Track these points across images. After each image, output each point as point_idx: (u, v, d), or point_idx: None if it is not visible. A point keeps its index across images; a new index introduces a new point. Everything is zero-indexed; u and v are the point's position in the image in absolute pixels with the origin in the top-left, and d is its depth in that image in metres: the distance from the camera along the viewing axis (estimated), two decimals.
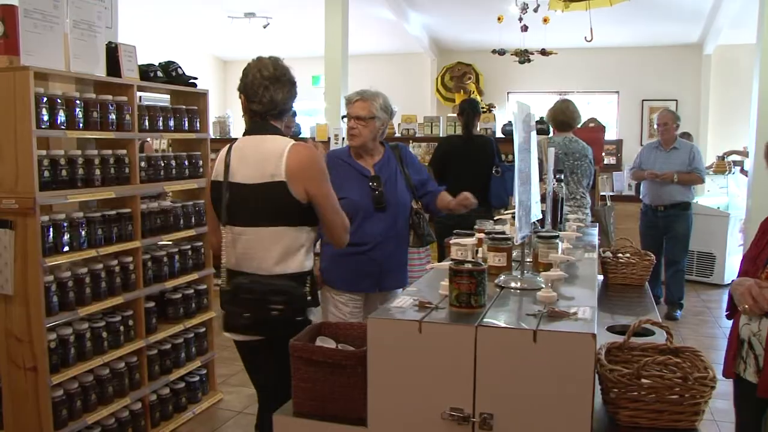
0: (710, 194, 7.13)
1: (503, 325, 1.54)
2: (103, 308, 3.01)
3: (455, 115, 6.58)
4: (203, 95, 3.71)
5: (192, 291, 3.64)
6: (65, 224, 2.81)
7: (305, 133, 6.50)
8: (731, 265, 6.48)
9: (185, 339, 3.59)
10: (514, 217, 1.86)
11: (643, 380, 1.44)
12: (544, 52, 7.07)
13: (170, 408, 3.49)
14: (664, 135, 5.74)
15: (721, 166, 7.27)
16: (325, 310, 2.88)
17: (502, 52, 7.02)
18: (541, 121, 5.89)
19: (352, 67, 6.86)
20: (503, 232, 2.19)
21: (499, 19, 6.49)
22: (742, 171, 7.29)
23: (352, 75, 6.86)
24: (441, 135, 6.09)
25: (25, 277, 2.70)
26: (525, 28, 6.39)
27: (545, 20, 6.59)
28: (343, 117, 3.01)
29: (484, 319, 1.54)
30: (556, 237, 2.08)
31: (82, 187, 2.88)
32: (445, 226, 5.10)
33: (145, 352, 3.28)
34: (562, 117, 4.54)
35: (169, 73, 3.54)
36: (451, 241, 2.10)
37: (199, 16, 8.49)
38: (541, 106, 9.59)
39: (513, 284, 1.87)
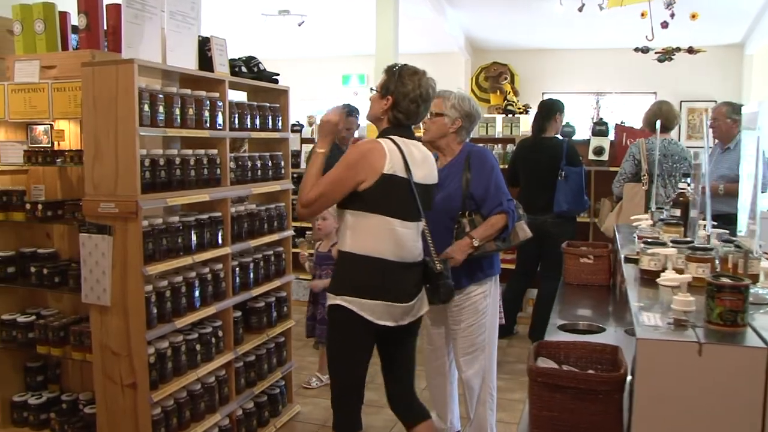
0: None
1: None
2: (196, 319, 2.81)
3: (492, 115, 6.44)
4: (284, 92, 3.52)
5: (273, 299, 3.44)
6: (163, 230, 2.61)
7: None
8: None
9: (267, 350, 3.40)
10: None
11: None
12: (691, 50, 6.57)
13: (254, 423, 3.30)
14: (714, 133, 4.88)
15: None
16: None
17: (645, 50, 6.59)
18: (567, 125, 5.67)
19: (377, 66, 6.66)
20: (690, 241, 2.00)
21: (642, 14, 6.09)
22: None
23: (377, 76, 6.67)
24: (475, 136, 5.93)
25: (123, 286, 2.51)
26: (665, 25, 5.93)
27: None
28: None
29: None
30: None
31: (177, 189, 2.69)
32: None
33: (233, 364, 3.09)
34: (659, 118, 4.37)
35: (250, 69, 3.35)
36: (647, 251, 1.90)
37: (232, 14, 8.29)
38: (577, 107, 9.47)
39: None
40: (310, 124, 6.56)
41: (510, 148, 5.68)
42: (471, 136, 5.87)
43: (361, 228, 2.34)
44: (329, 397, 2.46)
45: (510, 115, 6.20)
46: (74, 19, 3.32)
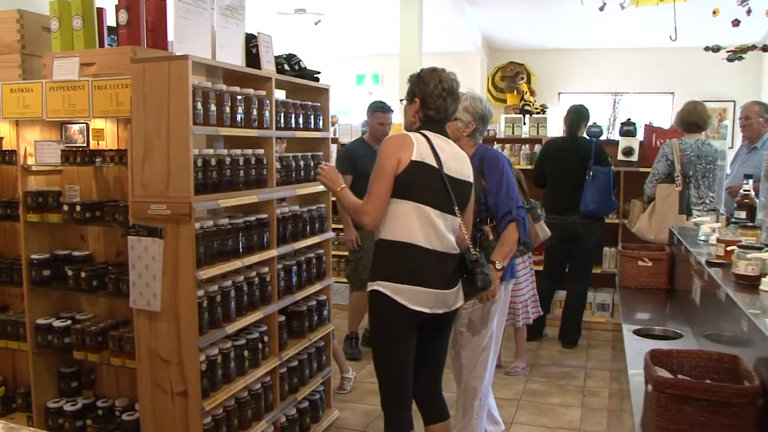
0: None
1: None
2: (245, 325, 2.72)
3: (518, 116, 6.36)
4: (325, 91, 3.43)
5: (314, 303, 3.35)
6: (214, 232, 2.52)
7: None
8: None
9: (308, 354, 3.31)
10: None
11: None
12: (765, 49, 6.41)
13: (297, 430, 3.21)
14: (745, 132, 4.88)
15: None
16: None
17: (716, 49, 6.42)
18: (595, 125, 5.61)
19: (401, 65, 6.58)
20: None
21: (714, 12, 5.94)
22: None
23: (402, 74, 6.58)
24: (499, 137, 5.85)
25: (174, 291, 2.42)
26: (737, 23, 5.78)
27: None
28: None
29: None
30: None
31: (227, 190, 2.60)
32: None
33: (277, 370, 3.00)
34: (692, 118, 4.29)
35: (292, 66, 3.27)
36: (744, 256, 1.81)
37: (247, 13, 8.20)
38: (594, 108, 9.37)
39: None
40: (333, 124, 6.47)
41: (538, 148, 5.60)
42: (499, 136, 5.87)
43: (393, 215, 2.37)
44: (366, 401, 2.40)
45: (529, 115, 6.12)
46: (110, 15, 3.24)
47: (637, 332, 2.10)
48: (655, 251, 2.88)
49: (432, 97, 2.42)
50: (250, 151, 2.75)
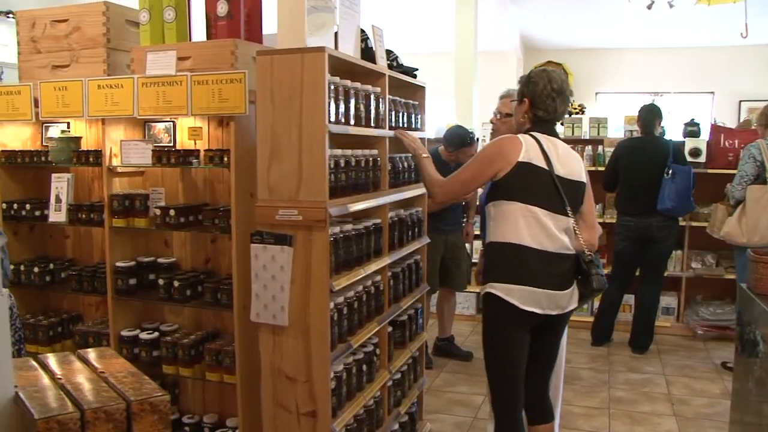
0: None
1: None
2: (367, 337, 2.55)
3: (579, 116, 6.20)
4: (422, 89, 3.25)
5: (413, 311, 3.18)
6: (342, 239, 2.34)
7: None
8: None
9: (407, 365, 3.13)
10: None
11: None
12: None
13: None
14: None
15: None
16: None
17: None
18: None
19: (436, 64, 6.41)
20: None
21: None
22: None
23: (434, 73, 6.40)
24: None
25: (304, 304, 2.23)
26: None
27: None
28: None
29: None
30: None
31: (351, 194, 2.42)
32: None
33: (387, 384, 2.82)
34: None
35: (391, 63, 3.08)
36: None
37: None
38: (631, 108, 9.20)
39: None
40: None
41: (601, 149, 5.44)
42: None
43: (501, 216, 2.38)
44: (453, 412, 2.27)
45: (568, 115, 5.95)
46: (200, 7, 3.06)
47: None
48: None
49: (541, 98, 2.43)
50: (368, 152, 2.57)
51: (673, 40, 8.42)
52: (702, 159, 5.25)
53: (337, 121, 2.26)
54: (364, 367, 2.56)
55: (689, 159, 5.26)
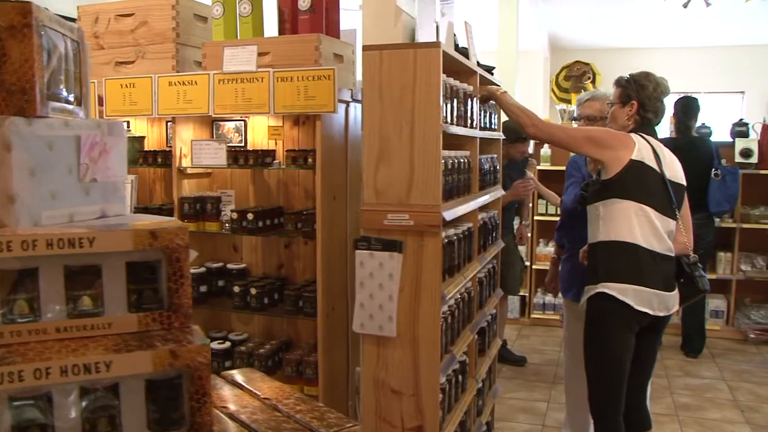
0: None
1: None
2: (466, 346, 2.43)
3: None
4: None
5: (490, 317, 3.06)
6: (447, 244, 2.22)
7: None
8: None
9: (486, 373, 3.02)
10: None
11: None
12: None
13: None
14: None
15: None
16: None
17: None
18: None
19: (499, 63, 6.31)
20: None
21: None
22: None
23: (499, 72, 6.32)
24: None
25: (413, 313, 2.11)
26: None
27: None
28: (572, 119, 3.15)
29: None
30: None
31: (453, 198, 2.30)
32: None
33: (473, 394, 2.71)
34: None
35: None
36: None
37: None
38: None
39: None
40: None
41: None
42: None
43: (612, 215, 2.34)
44: (519, 419, 2.16)
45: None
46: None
47: None
48: None
49: (651, 100, 2.44)
50: (461, 153, 2.45)
51: (703, 39, 8.33)
52: (754, 159, 5.15)
53: (444, 120, 2.14)
54: (460, 378, 2.45)
55: (741, 160, 5.16)
